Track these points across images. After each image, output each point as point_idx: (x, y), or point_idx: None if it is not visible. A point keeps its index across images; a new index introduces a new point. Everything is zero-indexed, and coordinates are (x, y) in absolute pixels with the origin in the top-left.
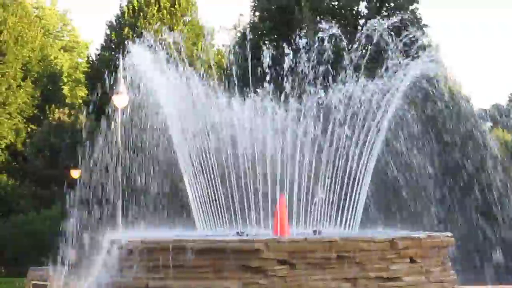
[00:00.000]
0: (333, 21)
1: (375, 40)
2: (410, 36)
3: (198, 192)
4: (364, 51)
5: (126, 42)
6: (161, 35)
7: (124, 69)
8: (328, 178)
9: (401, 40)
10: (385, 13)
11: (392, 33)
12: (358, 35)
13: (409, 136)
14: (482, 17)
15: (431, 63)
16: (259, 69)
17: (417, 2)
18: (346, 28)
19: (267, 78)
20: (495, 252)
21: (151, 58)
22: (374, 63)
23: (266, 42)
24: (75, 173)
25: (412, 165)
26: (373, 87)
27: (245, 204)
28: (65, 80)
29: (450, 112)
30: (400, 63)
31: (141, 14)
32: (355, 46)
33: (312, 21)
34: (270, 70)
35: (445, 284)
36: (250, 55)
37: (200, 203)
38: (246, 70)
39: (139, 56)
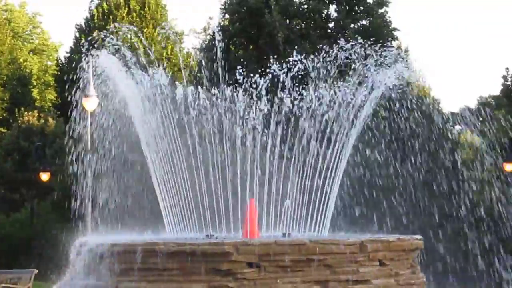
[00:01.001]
0: (302, 24)
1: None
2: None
3: (167, 197)
4: (334, 63)
5: (94, 46)
6: (130, 38)
7: (92, 70)
8: (298, 182)
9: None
10: (355, 16)
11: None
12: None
13: (378, 143)
14: (451, 19)
15: (403, 72)
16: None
17: (387, 6)
18: (315, 31)
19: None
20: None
21: (117, 61)
22: (345, 73)
23: (236, 43)
24: (44, 176)
25: (382, 169)
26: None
27: (215, 208)
28: (35, 83)
29: (419, 116)
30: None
31: (111, 17)
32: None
33: (282, 24)
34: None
35: (414, 287)
36: (218, 56)
37: (170, 207)
38: (215, 72)
39: (106, 59)
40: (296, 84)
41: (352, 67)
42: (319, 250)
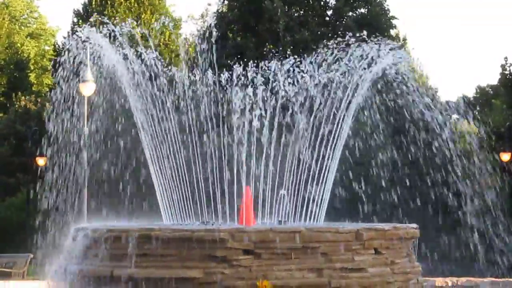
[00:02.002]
0: (301, 11)
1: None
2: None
3: (164, 184)
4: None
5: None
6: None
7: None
8: (294, 170)
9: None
10: (353, 4)
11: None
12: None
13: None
14: (450, 8)
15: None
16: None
17: None
18: (314, 19)
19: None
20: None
21: (111, 44)
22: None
23: (234, 30)
24: (41, 161)
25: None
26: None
27: (211, 196)
28: (32, 67)
29: (416, 104)
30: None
31: (109, 2)
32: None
33: (282, 11)
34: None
35: (410, 275)
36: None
37: (166, 194)
38: (212, 58)
39: (100, 40)
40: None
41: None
42: (315, 238)
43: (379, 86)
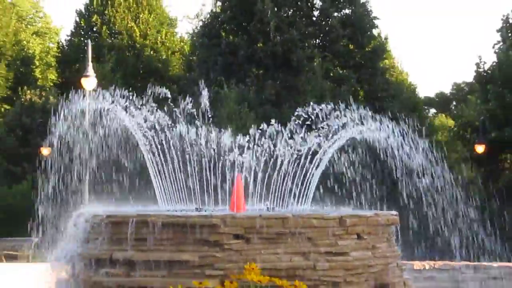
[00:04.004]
0: (289, 11)
1: None
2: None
3: (159, 171)
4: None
5: (93, 29)
6: (127, 23)
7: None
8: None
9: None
10: (338, 6)
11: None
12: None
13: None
14: (429, 9)
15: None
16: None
17: None
18: (301, 19)
19: None
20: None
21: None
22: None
23: (227, 29)
24: (45, 151)
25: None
26: None
27: (205, 183)
28: (37, 63)
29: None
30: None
31: (109, 2)
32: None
33: (272, 11)
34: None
35: (390, 259)
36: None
37: (162, 181)
38: (207, 57)
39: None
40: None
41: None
42: (301, 224)
43: None
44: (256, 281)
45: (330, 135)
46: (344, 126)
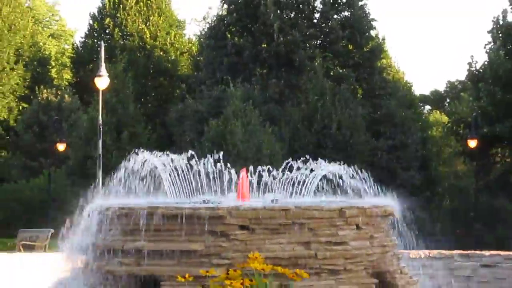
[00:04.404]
0: (291, 14)
1: None
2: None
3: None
4: None
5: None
6: (138, 25)
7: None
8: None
9: None
10: (338, 8)
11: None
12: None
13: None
14: (425, 11)
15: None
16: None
17: None
18: (303, 21)
19: None
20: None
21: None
22: None
23: (232, 31)
24: (61, 147)
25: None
26: None
27: (211, 177)
28: (53, 64)
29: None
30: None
31: (121, 6)
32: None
33: (275, 14)
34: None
35: (387, 248)
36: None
37: (170, 174)
38: (214, 57)
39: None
40: None
41: None
42: (303, 215)
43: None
44: (259, 270)
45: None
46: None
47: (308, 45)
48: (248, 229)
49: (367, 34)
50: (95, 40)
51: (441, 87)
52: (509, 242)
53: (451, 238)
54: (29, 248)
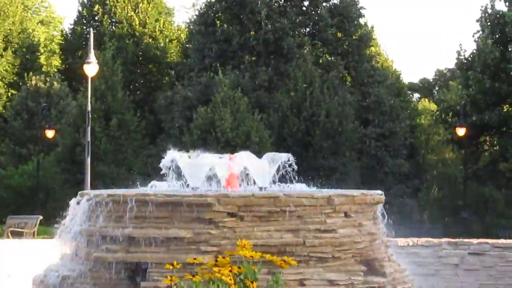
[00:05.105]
0: (280, 1)
1: None
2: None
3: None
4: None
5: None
6: (127, 12)
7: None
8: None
9: None
10: None
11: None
12: None
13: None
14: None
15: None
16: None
17: None
18: (292, 9)
19: None
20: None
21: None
22: None
23: (221, 18)
24: (49, 134)
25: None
26: None
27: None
28: (42, 50)
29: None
30: None
31: None
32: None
33: (263, 1)
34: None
35: (375, 236)
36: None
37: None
38: (203, 45)
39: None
40: None
41: None
42: (291, 203)
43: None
44: (248, 257)
45: None
46: None
47: (297, 32)
48: (237, 216)
49: (356, 22)
50: (84, 27)
51: (430, 75)
52: (497, 230)
53: (439, 226)
54: (17, 234)
